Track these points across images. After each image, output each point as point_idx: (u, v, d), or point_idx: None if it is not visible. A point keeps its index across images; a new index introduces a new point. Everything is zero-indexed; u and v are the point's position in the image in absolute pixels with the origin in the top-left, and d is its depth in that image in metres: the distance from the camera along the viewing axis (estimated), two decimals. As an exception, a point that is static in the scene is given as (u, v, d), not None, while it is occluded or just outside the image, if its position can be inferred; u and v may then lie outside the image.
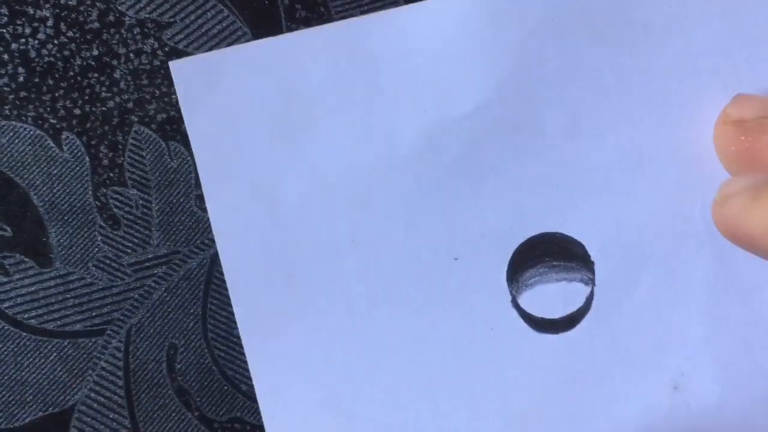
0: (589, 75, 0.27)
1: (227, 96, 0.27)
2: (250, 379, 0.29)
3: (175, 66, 0.27)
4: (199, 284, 0.29)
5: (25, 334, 0.28)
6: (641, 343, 0.29)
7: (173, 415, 0.29)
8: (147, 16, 0.28)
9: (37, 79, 0.28)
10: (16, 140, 0.28)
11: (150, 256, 0.29)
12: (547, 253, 0.28)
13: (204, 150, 0.28)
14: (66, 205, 0.28)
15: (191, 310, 0.28)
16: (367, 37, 0.27)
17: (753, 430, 0.29)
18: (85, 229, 0.28)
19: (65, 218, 0.28)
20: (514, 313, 0.28)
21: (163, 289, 0.29)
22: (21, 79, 0.28)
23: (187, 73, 0.27)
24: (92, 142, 0.28)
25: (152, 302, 0.29)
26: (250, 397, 0.29)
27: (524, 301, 0.28)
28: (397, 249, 0.28)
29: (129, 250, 0.29)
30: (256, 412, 0.29)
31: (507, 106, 0.28)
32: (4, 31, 0.28)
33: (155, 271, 0.29)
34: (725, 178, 0.27)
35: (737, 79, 0.27)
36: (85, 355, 0.29)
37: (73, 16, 0.28)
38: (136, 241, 0.29)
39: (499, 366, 0.28)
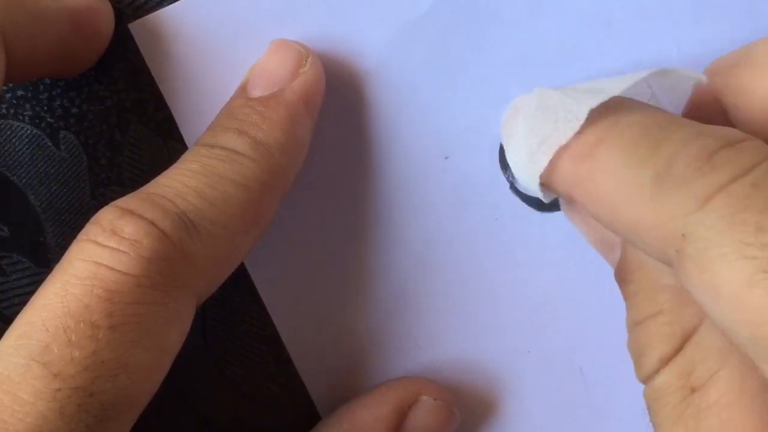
0: None
1: (191, 46, 0.27)
2: (250, 379, 0.29)
3: (135, 26, 0.27)
4: (198, 284, 0.29)
5: (22, 334, 0.28)
6: None
7: (173, 415, 0.29)
8: (146, 15, 0.28)
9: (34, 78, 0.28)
10: (13, 139, 0.28)
11: (149, 256, 0.29)
12: None
13: (180, 105, 0.27)
14: (64, 205, 0.28)
15: (190, 310, 0.28)
16: None
17: None
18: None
19: (63, 218, 0.28)
20: (515, 198, 0.28)
21: (162, 289, 0.29)
22: (17, 77, 0.28)
23: (148, 32, 0.27)
24: (90, 141, 0.28)
25: (151, 302, 0.29)
26: (250, 397, 0.29)
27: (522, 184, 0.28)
28: (385, 160, 0.28)
29: (127, 250, 0.28)
30: (256, 412, 0.29)
31: None
32: (1, 28, 0.27)
33: (154, 271, 0.29)
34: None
35: None
36: (83, 355, 0.29)
37: (71, 13, 0.28)
38: (134, 240, 0.28)
39: (513, 253, 0.28)
